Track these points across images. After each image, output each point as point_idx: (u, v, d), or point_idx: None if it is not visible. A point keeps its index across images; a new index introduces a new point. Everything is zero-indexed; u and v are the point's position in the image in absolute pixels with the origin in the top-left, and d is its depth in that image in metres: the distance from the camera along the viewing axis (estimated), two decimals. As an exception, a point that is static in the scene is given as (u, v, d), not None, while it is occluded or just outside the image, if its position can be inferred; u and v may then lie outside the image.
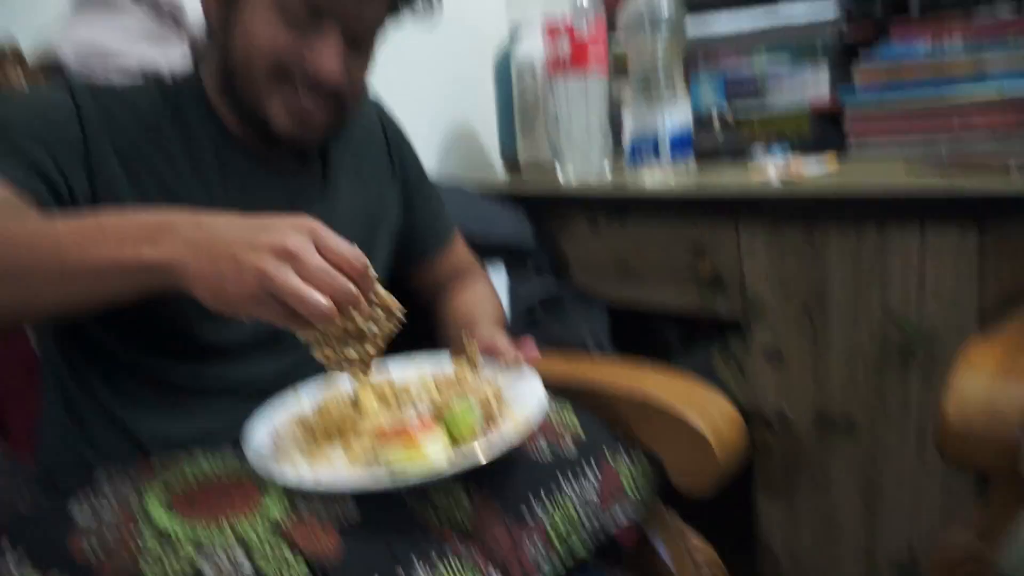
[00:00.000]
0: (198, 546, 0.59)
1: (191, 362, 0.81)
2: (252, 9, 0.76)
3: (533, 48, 1.41)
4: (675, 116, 1.19)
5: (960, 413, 0.75)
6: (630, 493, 0.80)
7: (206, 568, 0.58)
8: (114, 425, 0.81)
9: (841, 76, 1.31)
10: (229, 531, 0.61)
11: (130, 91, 0.81)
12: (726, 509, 1.16)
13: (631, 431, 0.84)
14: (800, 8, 1.33)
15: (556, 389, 0.89)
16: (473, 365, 0.81)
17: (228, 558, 0.59)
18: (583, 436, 0.81)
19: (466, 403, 0.69)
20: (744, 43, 1.40)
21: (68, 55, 0.99)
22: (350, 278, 0.58)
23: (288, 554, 0.60)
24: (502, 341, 0.83)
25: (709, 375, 1.20)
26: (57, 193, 0.72)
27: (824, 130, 1.32)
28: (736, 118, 1.41)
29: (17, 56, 0.99)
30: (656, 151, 1.19)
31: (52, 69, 1.00)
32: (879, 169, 1.11)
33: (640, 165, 1.22)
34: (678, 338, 1.42)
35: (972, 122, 1.16)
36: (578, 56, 1.28)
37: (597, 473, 0.78)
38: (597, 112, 1.32)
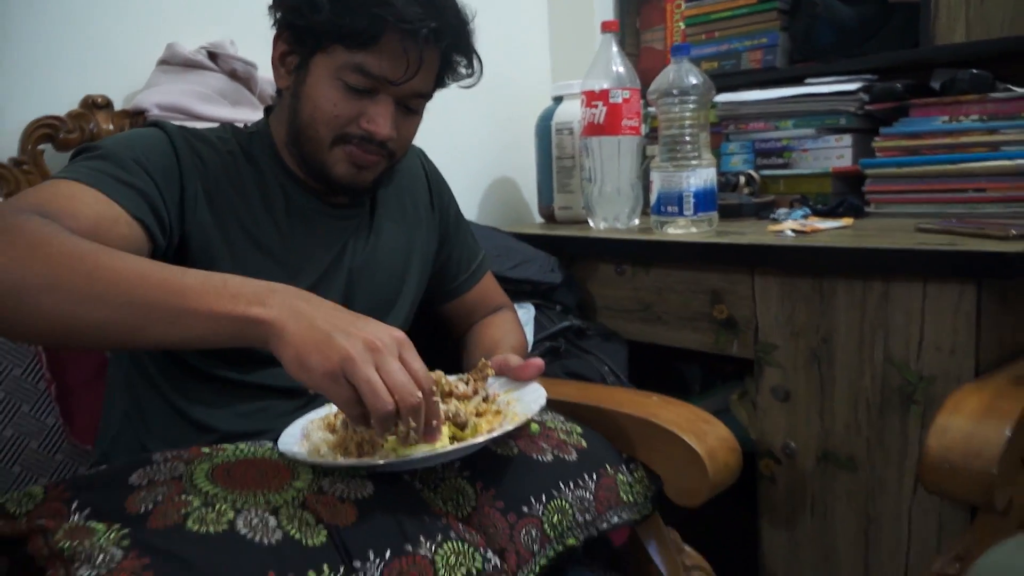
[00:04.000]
0: (235, 506, 0.68)
1: (248, 366, 0.91)
2: (316, 80, 0.89)
3: (572, 111, 1.53)
4: (699, 177, 1.27)
5: (941, 448, 0.80)
6: (625, 499, 0.86)
7: (239, 522, 0.66)
8: (175, 415, 0.91)
9: (863, 148, 1.39)
10: (262, 498, 0.69)
11: (212, 133, 0.95)
12: (732, 537, 1.20)
13: (633, 448, 0.91)
14: (825, 87, 1.42)
15: (568, 412, 0.96)
16: (482, 378, 0.87)
17: (259, 516, 0.67)
18: (586, 448, 0.88)
19: None
20: (771, 114, 1.49)
21: (152, 110, 1.14)
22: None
23: (311, 519, 0.68)
24: (514, 359, 0.91)
25: (725, 413, 1.26)
26: (161, 222, 0.83)
27: (845, 195, 1.39)
28: (763, 180, 1.50)
29: (107, 104, 1.16)
30: (681, 207, 1.28)
31: (136, 115, 1.15)
32: (889, 228, 1.18)
33: (665, 218, 1.30)
34: (699, 378, 1.48)
35: (985, 191, 1.22)
36: (612, 120, 1.40)
37: (595, 479, 0.85)
38: (628, 170, 1.42)
